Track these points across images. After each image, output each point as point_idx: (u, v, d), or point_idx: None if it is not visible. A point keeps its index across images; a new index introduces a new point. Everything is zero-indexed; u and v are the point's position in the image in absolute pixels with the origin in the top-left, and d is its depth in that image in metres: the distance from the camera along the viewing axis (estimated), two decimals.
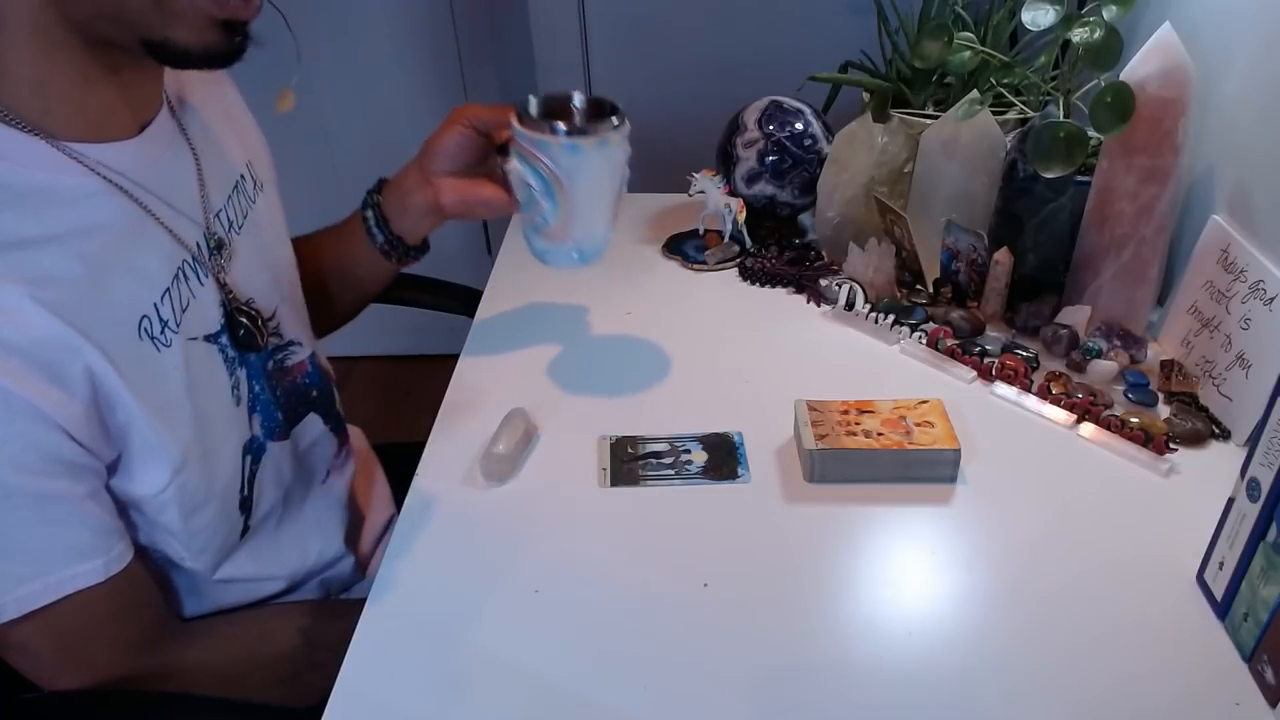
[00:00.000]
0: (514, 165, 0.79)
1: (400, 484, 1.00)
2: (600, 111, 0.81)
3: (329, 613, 0.83)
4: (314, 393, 0.85)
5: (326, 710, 0.61)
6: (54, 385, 0.59)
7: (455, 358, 0.96)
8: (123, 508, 0.67)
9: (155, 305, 0.67)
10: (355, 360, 2.23)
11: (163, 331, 0.67)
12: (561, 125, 0.76)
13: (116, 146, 0.66)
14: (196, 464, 0.69)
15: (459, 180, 0.84)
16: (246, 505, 0.75)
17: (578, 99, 0.82)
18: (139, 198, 0.67)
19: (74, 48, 0.61)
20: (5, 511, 0.60)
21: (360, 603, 0.68)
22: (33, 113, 0.61)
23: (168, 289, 0.68)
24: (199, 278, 0.71)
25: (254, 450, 0.76)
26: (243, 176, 0.81)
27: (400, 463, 0.96)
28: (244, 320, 0.74)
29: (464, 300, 1.12)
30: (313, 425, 0.85)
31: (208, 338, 0.72)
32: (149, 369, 0.65)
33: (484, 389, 0.91)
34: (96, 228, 0.64)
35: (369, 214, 0.88)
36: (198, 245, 0.72)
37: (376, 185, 0.90)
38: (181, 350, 0.68)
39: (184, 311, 0.69)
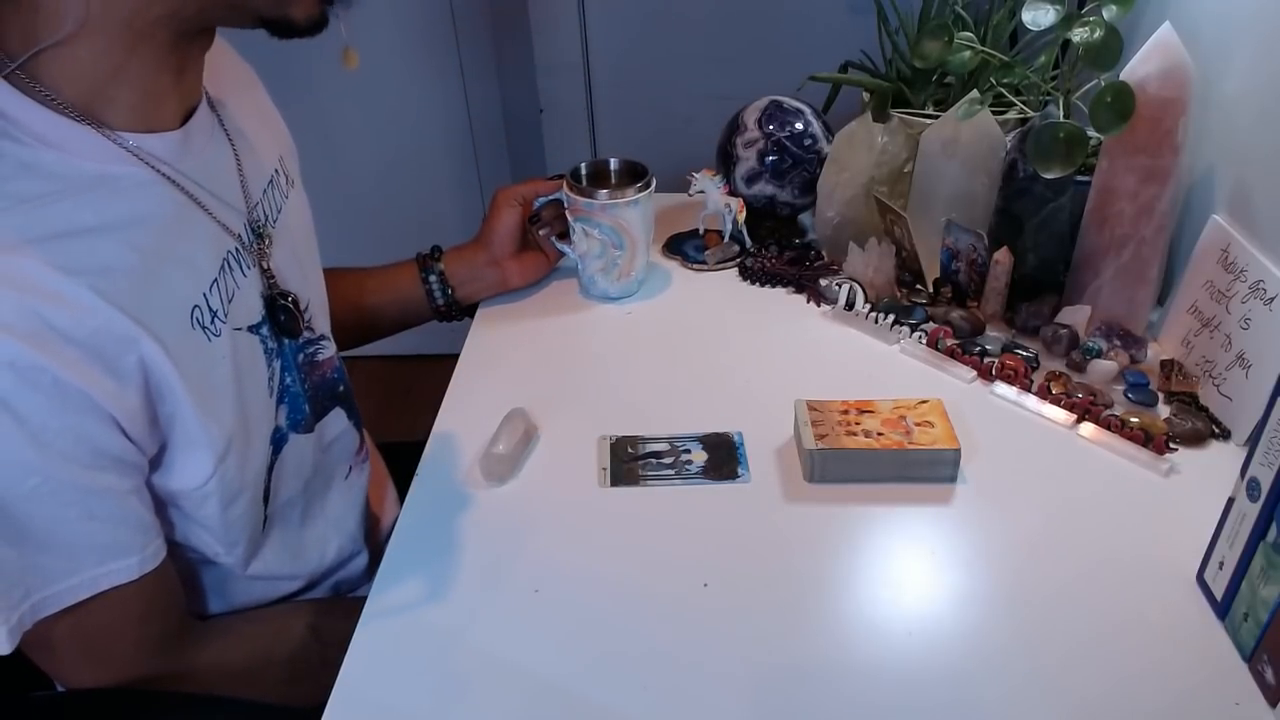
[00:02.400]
0: (581, 227, 0.99)
1: (401, 484, 1.01)
2: (630, 168, 1.05)
3: (342, 610, 0.83)
4: (340, 388, 0.85)
5: (327, 710, 0.61)
6: (109, 377, 0.59)
7: (455, 358, 0.96)
8: (160, 505, 0.67)
9: (205, 295, 0.67)
10: (355, 360, 2.23)
11: (213, 321, 0.67)
12: (628, 188, 0.99)
13: (163, 137, 0.66)
14: (237, 453, 0.69)
15: (521, 262, 1.03)
16: (265, 495, 0.76)
17: (614, 162, 1.06)
18: (186, 187, 0.67)
19: (159, 41, 0.62)
20: (51, 507, 0.59)
21: None
22: (91, 105, 0.61)
23: (215, 279, 0.68)
24: (243, 269, 0.72)
25: (276, 440, 0.76)
26: (276, 171, 0.82)
27: (401, 462, 0.97)
28: (286, 304, 0.75)
29: None
30: (336, 420, 0.85)
31: (250, 328, 0.72)
32: (200, 359, 0.66)
33: (484, 389, 0.91)
34: (148, 217, 0.64)
35: (433, 279, 1.01)
36: (240, 235, 0.73)
37: (433, 252, 1.03)
38: (229, 340, 0.69)
39: (230, 302, 0.70)
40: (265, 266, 0.74)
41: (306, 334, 0.80)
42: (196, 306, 0.66)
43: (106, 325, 0.59)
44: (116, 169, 0.63)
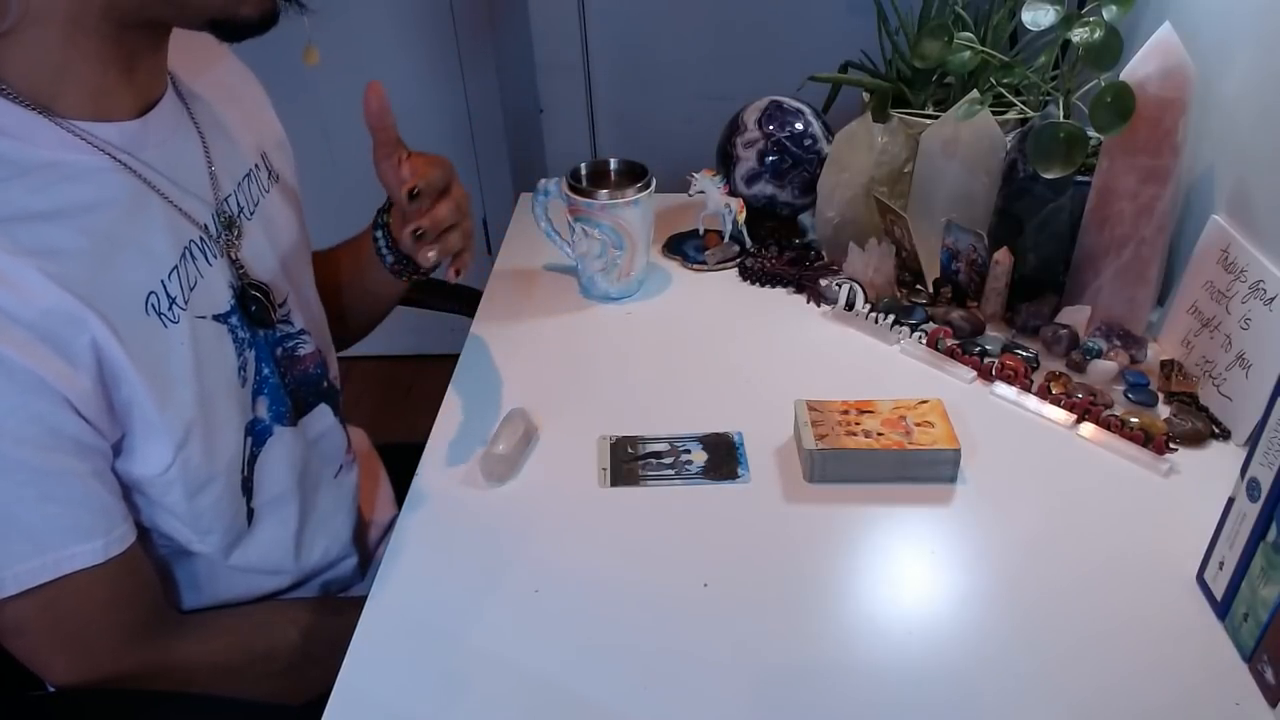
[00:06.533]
0: (581, 228, 1.00)
1: (400, 484, 1.00)
2: (630, 168, 1.05)
3: (329, 608, 0.83)
4: (324, 384, 0.85)
5: (326, 710, 0.61)
6: (60, 358, 0.59)
7: (455, 358, 0.96)
8: (126, 491, 0.67)
9: (163, 282, 0.67)
10: (355, 360, 2.23)
11: (170, 308, 0.67)
12: (628, 188, 0.99)
13: (120, 126, 0.66)
14: (199, 441, 0.69)
15: (427, 245, 0.78)
16: (247, 486, 0.76)
17: (614, 162, 1.06)
18: (145, 176, 0.67)
19: (103, 35, 0.62)
20: (6, 486, 0.59)
21: (360, 600, 0.69)
22: (43, 95, 0.62)
23: (175, 267, 0.68)
24: (207, 258, 0.72)
25: (256, 432, 0.76)
26: (256, 166, 0.82)
27: (400, 463, 0.96)
28: (256, 295, 0.74)
29: (464, 300, 1.12)
30: (323, 416, 0.85)
31: (217, 317, 0.72)
32: (155, 344, 0.65)
33: (484, 389, 0.91)
34: (102, 203, 0.64)
35: (379, 234, 0.89)
36: (206, 226, 0.72)
37: (386, 204, 0.88)
38: (189, 327, 0.68)
39: (192, 290, 0.69)
40: (234, 257, 0.74)
41: (282, 327, 0.80)
42: (152, 293, 0.66)
43: (56, 306, 0.59)
44: (71, 156, 0.63)
